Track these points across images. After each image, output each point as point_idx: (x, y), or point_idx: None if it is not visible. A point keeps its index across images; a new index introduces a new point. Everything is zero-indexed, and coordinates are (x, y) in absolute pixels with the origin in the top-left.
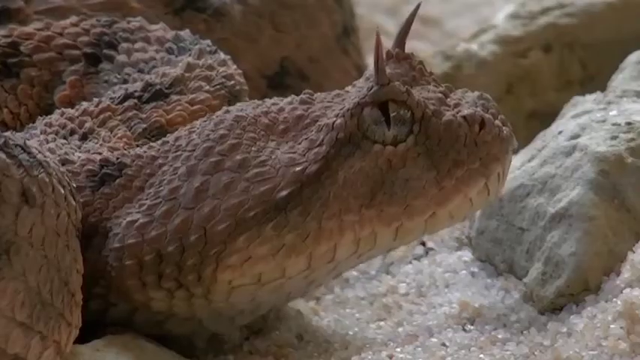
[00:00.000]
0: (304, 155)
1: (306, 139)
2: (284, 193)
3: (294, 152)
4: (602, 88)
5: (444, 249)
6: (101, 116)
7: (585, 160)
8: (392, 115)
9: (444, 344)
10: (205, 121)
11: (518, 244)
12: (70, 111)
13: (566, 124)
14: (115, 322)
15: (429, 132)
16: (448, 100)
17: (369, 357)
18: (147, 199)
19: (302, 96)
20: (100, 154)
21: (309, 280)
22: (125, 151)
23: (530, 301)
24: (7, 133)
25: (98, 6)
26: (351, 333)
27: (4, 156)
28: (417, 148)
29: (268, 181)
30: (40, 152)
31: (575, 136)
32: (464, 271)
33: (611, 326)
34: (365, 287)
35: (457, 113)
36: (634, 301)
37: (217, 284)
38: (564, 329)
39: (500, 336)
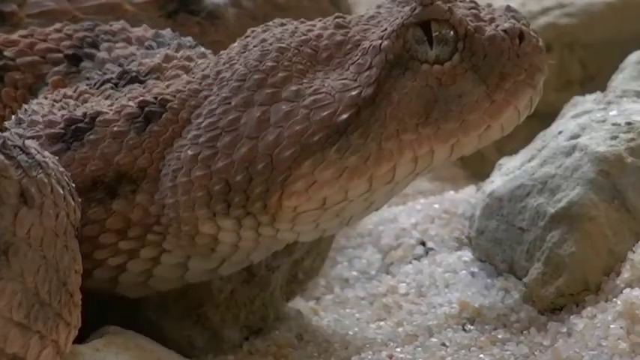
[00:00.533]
0: (356, 80)
1: (352, 63)
2: (344, 116)
3: (345, 78)
4: (602, 88)
5: (444, 249)
6: (81, 97)
7: (585, 160)
8: (434, 34)
9: (444, 344)
10: (242, 51)
11: (518, 244)
12: (50, 96)
13: (566, 124)
14: (162, 276)
15: (473, 48)
16: (482, 15)
17: (369, 357)
18: (200, 130)
19: (336, 20)
20: (132, 99)
21: (369, 203)
22: (159, 90)
23: (530, 301)
24: (6, 134)
25: (92, 9)
26: (351, 333)
27: (2, 157)
28: (464, 65)
29: (327, 107)
30: (39, 153)
31: (575, 136)
32: (464, 271)
33: (611, 326)
34: (365, 287)
35: (497, 28)
36: (634, 301)
37: (283, 211)
38: (564, 329)
39: (500, 336)
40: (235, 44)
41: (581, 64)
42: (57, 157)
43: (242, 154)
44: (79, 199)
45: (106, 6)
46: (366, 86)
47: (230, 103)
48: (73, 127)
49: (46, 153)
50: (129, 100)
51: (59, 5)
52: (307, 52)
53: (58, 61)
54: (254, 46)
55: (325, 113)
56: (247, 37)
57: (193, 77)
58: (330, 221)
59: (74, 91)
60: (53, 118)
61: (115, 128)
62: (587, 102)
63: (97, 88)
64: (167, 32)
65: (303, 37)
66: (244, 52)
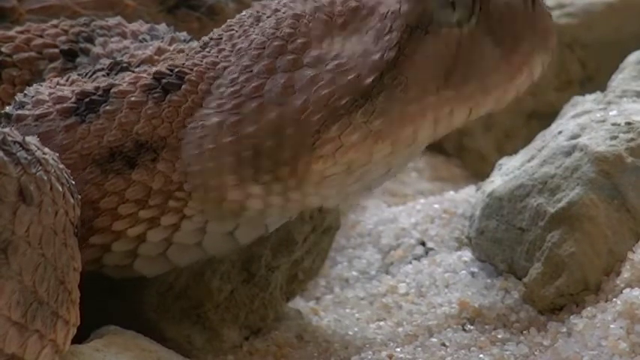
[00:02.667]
0: (377, 44)
1: (371, 28)
2: (369, 80)
3: (365, 43)
4: (602, 88)
5: (443, 249)
6: (74, 85)
7: (585, 160)
8: None
9: (443, 344)
10: (255, 22)
11: (518, 244)
12: (45, 83)
13: (566, 124)
14: (181, 244)
15: (489, 12)
16: None
17: (369, 357)
18: (223, 99)
19: None
20: (145, 71)
21: (389, 166)
22: (178, 62)
23: (530, 301)
24: (7, 130)
25: (91, 4)
26: (350, 333)
27: (1, 154)
28: (481, 28)
29: (351, 71)
30: (39, 149)
31: (575, 136)
32: (464, 271)
33: (611, 326)
34: (365, 287)
35: None
36: (634, 301)
37: (310, 175)
38: (564, 329)
39: (500, 336)
40: (244, 15)
41: (581, 64)
42: (67, 132)
43: (271, 120)
44: (79, 197)
45: (106, 1)
46: (388, 50)
47: (252, 71)
48: (87, 99)
49: (47, 150)
50: (141, 72)
51: (60, 1)
52: (322, 19)
53: (54, 57)
54: (268, 17)
55: (350, 77)
56: (257, 9)
57: (209, 51)
58: (353, 185)
59: (67, 80)
60: (62, 94)
61: (133, 98)
62: (587, 102)
63: (89, 77)
64: (162, 27)
65: (317, 4)
66: (258, 23)
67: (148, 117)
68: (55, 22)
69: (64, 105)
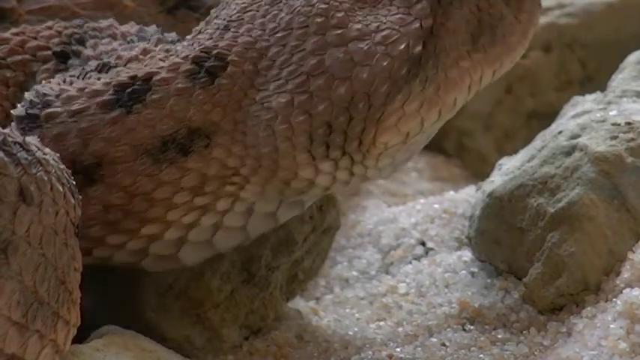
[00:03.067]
0: (410, 14)
1: None
2: (418, 48)
3: (398, 13)
4: (602, 88)
5: (443, 249)
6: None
7: (585, 160)
8: None
9: (443, 344)
10: (275, 2)
11: (519, 244)
12: (54, 81)
13: (566, 124)
14: (227, 227)
15: None
16: None
17: (369, 357)
18: (281, 80)
19: None
20: (183, 54)
21: (428, 135)
22: (209, 44)
23: (530, 301)
24: (7, 130)
25: (91, 5)
26: (351, 333)
27: (2, 154)
28: None
29: (399, 41)
30: (39, 149)
31: (575, 136)
32: (464, 271)
33: (611, 326)
34: (365, 287)
35: None
36: (634, 301)
37: (375, 148)
38: (564, 329)
39: (500, 336)
40: None
41: (581, 64)
42: (114, 124)
43: (341, 95)
44: (79, 197)
45: (106, 2)
46: (424, 18)
47: (304, 49)
48: (129, 89)
49: (47, 150)
50: (175, 58)
51: (59, 1)
52: None
53: (47, 59)
54: None
55: (402, 47)
56: None
57: (236, 32)
58: (403, 155)
59: (63, 80)
60: (95, 88)
61: (179, 85)
62: (587, 102)
63: (81, 79)
64: (151, 28)
65: None
66: (279, 2)
67: (199, 102)
68: (50, 23)
69: (103, 98)
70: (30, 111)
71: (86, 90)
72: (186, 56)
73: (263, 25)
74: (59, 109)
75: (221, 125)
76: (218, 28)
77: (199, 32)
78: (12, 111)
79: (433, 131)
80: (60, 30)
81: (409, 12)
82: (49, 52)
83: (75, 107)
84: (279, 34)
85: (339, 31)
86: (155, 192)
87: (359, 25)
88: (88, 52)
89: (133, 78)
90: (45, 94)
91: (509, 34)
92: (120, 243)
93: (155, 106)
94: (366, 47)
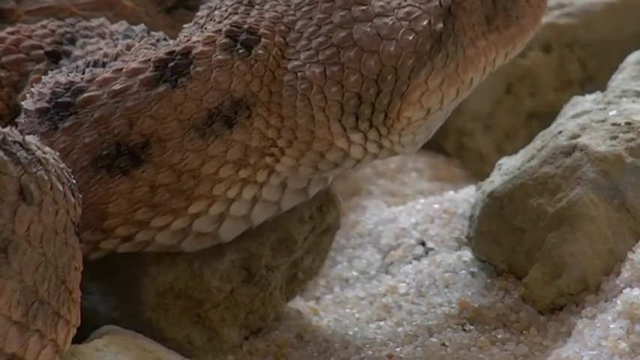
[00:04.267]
0: None
1: None
2: (439, 25)
3: None
4: (602, 88)
5: (443, 249)
6: None
7: (585, 160)
8: None
9: (443, 344)
10: None
11: (519, 244)
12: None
13: (566, 124)
14: (265, 201)
15: None
16: None
17: (369, 357)
18: (311, 50)
19: None
20: (208, 30)
21: (445, 113)
22: (238, 19)
23: (530, 301)
24: (7, 129)
25: (90, 5)
26: (350, 333)
27: (1, 153)
28: None
29: (422, 17)
30: (39, 149)
31: (575, 136)
32: (464, 271)
33: (611, 326)
34: (365, 287)
35: None
36: (634, 301)
37: (399, 122)
38: (564, 329)
39: (500, 336)
40: None
41: (581, 64)
42: (161, 99)
43: (370, 67)
44: (79, 196)
45: (105, 2)
46: None
47: (331, 22)
48: (171, 64)
49: (47, 149)
50: (207, 32)
51: (57, 1)
52: None
53: (41, 59)
54: None
55: (424, 23)
56: None
57: (261, 8)
58: (422, 133)
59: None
60: (131, 66)
61: (220, 57)
62: (587, 102)
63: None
64: (138, 27)
65: None
66: None
67: (241, 74)
68: (44, 22)
69: (146, 75)
70: (59, 100)
71: (123, 70)
72: (218, 30)
73: (287, 0)
74: (98, 92)
75: (259, 96)
76: (240, 5)
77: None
78: (24, 106)
79: (449, 111)
80: (54, 29)
81: None
82: (42, 52)
83: (116, 87)
84: (304, 8)
85: (364, 7)
86: (203, 167)
87: (381, 2)
88: (77, 52)
89: (171, 53)
90: (71, 82)
91: (522, 17)
92: (165, 224)
93: (200, 78)
94: (390, 22)
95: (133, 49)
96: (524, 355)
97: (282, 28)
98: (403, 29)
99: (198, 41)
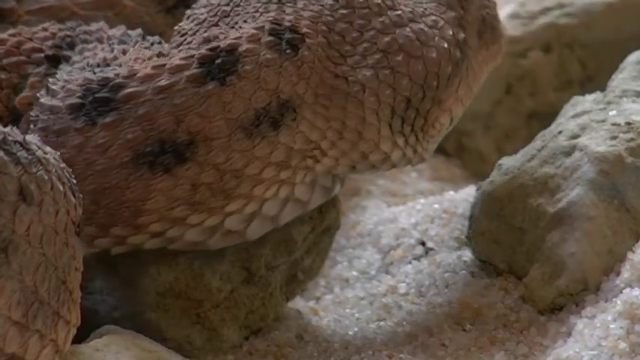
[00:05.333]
0: (441, 3)
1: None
2: (462, 34)
3: (432, 1)
4: (602, 88)
5: (443, 249)
6: None
7: (585, 160)
8: None
9: (443, 344)
10: None
11: (519, 245)
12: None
13: (565, 124)
14: (295, 200)
15: None
16: None
17: (369, 357)
18: (357, 56)
19: None
20: (251, 27)
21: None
22: (275, 15)
23: (530, 301)
24: (7, 129)
25: (90, 5)
26: (351, 333)
27: (2, 153)
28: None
29: (446, 27)
30: (39, 148)
31: (575, 136)
32: (464, 271)
33: (611, 326)
34: (365, 287)
35: None
36: (634, 301)
37: (433, 129)
38: (564, 329)
39: (500, 336)
40: None
41: (581, 64)
42: (210, 97)
43: (418, 72)
44: (80, 196)
45: (105, 1)
46: (455, 8)
47: (373, 28)
48: (218, 61)
49: (47, 148)
50: (250, 29)
51: (58, 1)
52: None
53: (40, 62)
54: None
55: (450, 32)
56: None
57: (293, 5)
58: (438, 141)
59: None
60: (174, 62)
61: (267, 56)
62: (587, 102)
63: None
64: (134, 32)
65: None
66: None
67: (287, 74)
68: (46, 24)
69: (192, 72)
70: (97, 95)
71: (166, 66)
72: (260, 27)
73: (317, 0)
74: (141, 88)
75: (305, 98)
76: (270, 3)
77: (182, 33)
78: (43, 102)
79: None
80: (55, 32)
81: (439, 2)
82: (43, 55)
83: (162, 83)
84: (341, 11)
85: (398, 12)
86: (247, 168)
87: (408, 8)
88: (75, 57)
89: (214, 50)
90: (105, 78)
91: (500, 36)
92: (199, 222)
93: (248, 77)
94: (425, 28)
95: (127, 54)
96: (524, 355)
97: (324, 28)
98: (437, 37)
99: (241, 37)
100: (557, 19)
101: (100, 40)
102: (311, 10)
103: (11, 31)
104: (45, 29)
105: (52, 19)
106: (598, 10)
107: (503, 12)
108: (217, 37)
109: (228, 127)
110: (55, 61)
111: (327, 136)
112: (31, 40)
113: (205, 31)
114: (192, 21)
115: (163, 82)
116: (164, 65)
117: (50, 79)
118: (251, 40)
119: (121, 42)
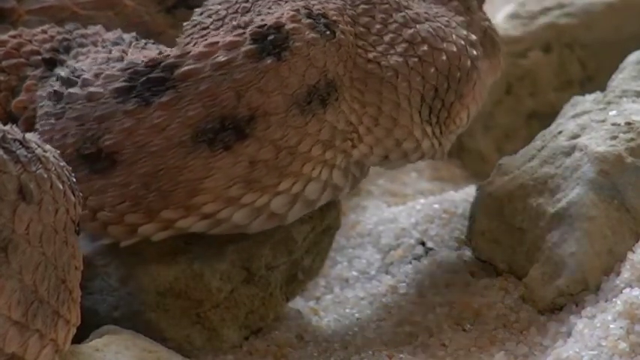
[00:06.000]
0: (450, 10)
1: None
2: (474, 37)
3: (441, 5)
4: (602, 88)
5: (444, 249)
6: None
7: (585, 160)
8: None
9: (443, 344)
10: None
11: (519, 245)
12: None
13: (565, 124)
14: (333, 185)
15: None
16: None
17: (369, 357)
18: (385, 45)
19: None
20: (289, 8)
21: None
22: (300, 2)
23: (530, 301)
24: (7, 127)
25: (91, 5)
26: (350, 333)
27: (1, 152)
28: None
29: (459, 27)
30: (39, 147)
31: (575, 136)
32: (464, 271)
33: (611, 326)
34: (365, 287)
35: None
36: (634, 301)
37: (454, 123)
38: (564, 329)
39: (500, 336)
40: None
41: (581, 64)
42: (268, 72)
43: (443, 62)
44: (80, 194)
45: (105, 1)
46: (461, 14)
47: (395, 21)
48: (270, 37)
49: (47, 147)
50: (288, 10)
51: (59, 1)
52: None
53: (38, 64)
54: None
55: (464, 32)
56: None
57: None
58: (453, 140)
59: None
60: (228, 39)
61: (312, 35)
62: (587, 102)
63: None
64: (129, 35)
65: None
66: None
67: (330, 55)
68: (45, 26)
69: (248, 47)
70: (150, 75)
71: (219, 43)
72: (296, 9)
73: None
74: (198, 65)
75: (344, 80)
76: None
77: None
78: (72, 91)
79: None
80: (53, 35)
81: (447, 8)
82: (40, 58)
83: (220, 59)
84: (362, 7)
85: (415, 11)
86: (299, 145)
87: (421, 9)
88: (70, 61)
89: (262, 27)
90: (153, 59)
91: (499, 52)
92: (252, 201)
93: (300, 54)
94: (442, 25)
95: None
96: (524, 355)
97: (348, 19)
98: (453, 34)
99: (282, 16)
100: (557, 19)
101: (95, 44)
102: (334, 3)
103: (12, 32)
104: (44, 31)
105: (52, 19)
106: (598, 10)
107: (504, 12)
108: (252, 22)
109: (285, 103)
110: (51, 65)
111: (364, 121)
112: (30, 42)
113: (234, 20)
114: (209, 16)
115: (221, 59)
116: (217, 43)
117: (63, 73)
118: (293, 20)
119: (115, 44)
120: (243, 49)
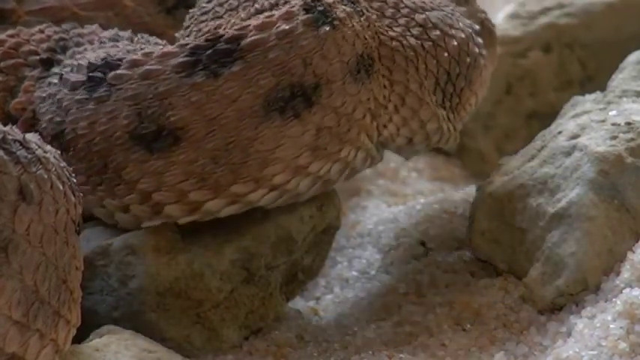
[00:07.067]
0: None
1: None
2: (477, 26)
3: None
4: (602, 88)
5: (444, 249)
6: None
7: (585, 160)
8: None
9: (443, 344)
10: None
11: (519, 245)
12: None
13: (565, 124)
14: (354, 168)
15: None
16: None
17: (369, 357)
18: (400, 26)
19: None
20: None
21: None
22: None
23: (530, 301)
24: (7, 128)
25: (91, 5)
26: (350, 333)
27: (1, 152)
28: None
29: (462, 17)
30: (39, 148)
31: (575, 136)
32: (464, 271)
33: (611, 326)
34: (365, 287)
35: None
36: (634, 301)
37: (464, 110)
38: (564, 329)
39: (500, 336)
40: None
41: (581, 64)
42: (327, 39)
43: (454, 47)
44: (80, 194)
45: (105, 2)
46: (463, 3)
47: (407, 7)
48: (320, 8)
49: (48, 147)
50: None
51: (59, 2)
52: None
53: (35, 65)
54: None
55: (468, 21)
56: None
57: None
58: (459, 128)
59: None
60: (284, 10)
61: (347, 9)
62: (587, 102)
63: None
64: (125, 33)
65: None
66: None
67: (364, 29)
68: (43, 26)
69: (305, 16)
70: (216, 48)
71: (275, 15)
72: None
73: None
74: (263, 35)
75: (373, 56)
76: None
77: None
78: (131, 72)
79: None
80: (50, 34)
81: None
82: (37, 58)
83: (283, 28)
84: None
85: (421, 2)
86: (354, 112)
87: (425, 1)
88: (67, 61)
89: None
90: (214, 34)
91: (495, 44)
92: (317, 170)
93: (345, 24)
94: (448, 14)
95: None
96: (524, 355)
97: (364, 4)
98: (460, 23)
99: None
100: (557, 19)
101: (91, 43)
102: None
103: (10, 32)
104: (41, 31)
105: (52, 19)
106: (598, 10)
107: (504, 12)
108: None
109: (342, 71)
110: (48, 65)
111: (392, 99)
112: (28, 42)
113: (254, 4)
114: (220, 4)
115: (285, 27)
116: (273, 15)
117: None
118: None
119: (113, 41)
120: (301, 18)
